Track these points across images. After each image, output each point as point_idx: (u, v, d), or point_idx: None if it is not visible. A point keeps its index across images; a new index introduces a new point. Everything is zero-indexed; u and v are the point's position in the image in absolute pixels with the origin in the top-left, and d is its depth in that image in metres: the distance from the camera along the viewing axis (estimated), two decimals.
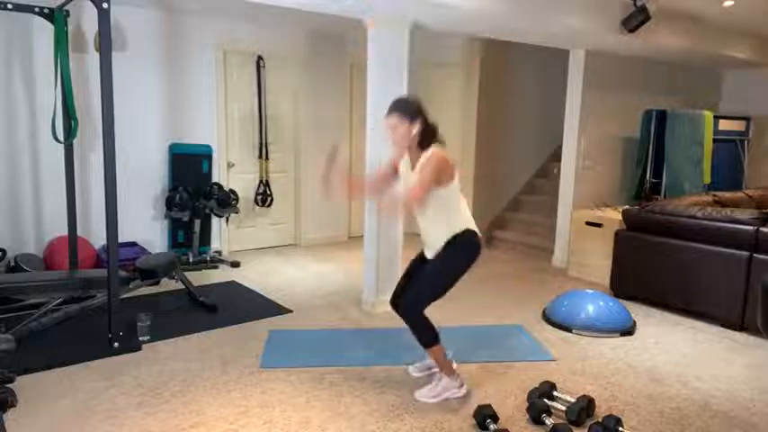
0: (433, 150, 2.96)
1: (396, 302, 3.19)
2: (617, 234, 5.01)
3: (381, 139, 4.33)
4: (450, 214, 3.01)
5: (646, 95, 6.59)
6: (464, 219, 3.06)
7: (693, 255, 4.45)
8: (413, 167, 3.03)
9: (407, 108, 2.98)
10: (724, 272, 4.28)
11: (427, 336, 3.05)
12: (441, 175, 2.90)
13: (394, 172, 3.20)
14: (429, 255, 3.10)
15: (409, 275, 3.22)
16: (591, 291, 4.48)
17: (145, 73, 5.51)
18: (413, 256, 3.29)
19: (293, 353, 3.69)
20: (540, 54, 6.53)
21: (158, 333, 3.89)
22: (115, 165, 3.49)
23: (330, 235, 6.91)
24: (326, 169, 2.95)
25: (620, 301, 4.49)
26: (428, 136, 2.99)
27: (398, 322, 4.22)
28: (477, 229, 3.08)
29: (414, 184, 2.91)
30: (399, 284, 3.25)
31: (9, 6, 4.04)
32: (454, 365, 3.23)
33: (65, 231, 4.64)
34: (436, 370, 3.30)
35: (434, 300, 3.06)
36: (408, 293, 3.08)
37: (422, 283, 3.06)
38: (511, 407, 3.06)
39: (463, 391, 3.17)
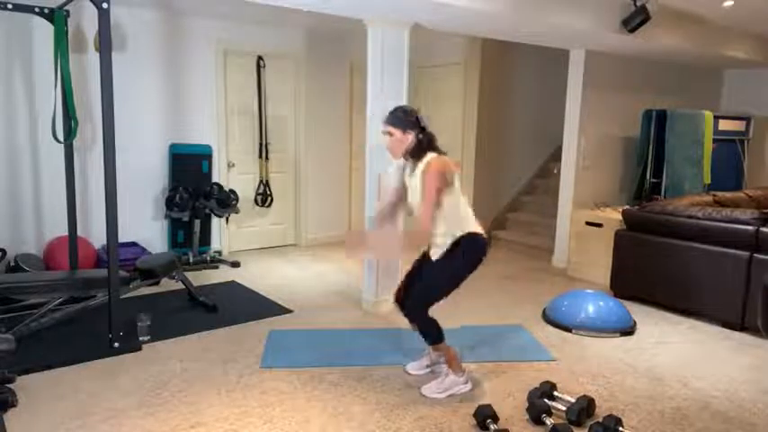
0: (429, 159, 2.98)
1: (399, 300, 3.23)
2: (617, 234, 5.01)
3: (381, 139, 4.33)
4: (451, 216, 3.03)
5: (646, 95, 6.58)
6: (467, 221, 3.07)
7: (693, 255, 4.45)
8: (412, 172, 3.07)
9: (402, 118, 3.04)
10: (724, 272, 4.28)
11: (432, 335, 3.11)
12: (441, 184, 2.93)
13: (399, 197, 3.25)
14: (433, 256, 3.11)
15: (413, 274, 3.23)
16: (591, 291, 4.48)
17: (145, 73, 5.51)
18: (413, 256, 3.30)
19: (293, 353, 3.69)
20: (541, 54, 6.53)
21: (158, 333, 3.89)
22: (115, 165, 3.50)
23: (330, 235, 6.90)
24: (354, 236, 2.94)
25: (620, 301, 4.49)
26: (423, 146, 3.03)
27: (398, 322, 4.23)
28: (481, 230, 3.10)
29: (422, 209, 2.96)
30: (402, 282, 3.26)
31: (9, 6, 4.03)
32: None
33: (65, 231, 4.64)
34: (434, 368, 3.37)
35: (438, 300, 3.08)
36: (413, 294, 3.11)
37: (426, 284, 3.09)
38: (511, 407, 3.06)
39: (469, 386, 3.22)
